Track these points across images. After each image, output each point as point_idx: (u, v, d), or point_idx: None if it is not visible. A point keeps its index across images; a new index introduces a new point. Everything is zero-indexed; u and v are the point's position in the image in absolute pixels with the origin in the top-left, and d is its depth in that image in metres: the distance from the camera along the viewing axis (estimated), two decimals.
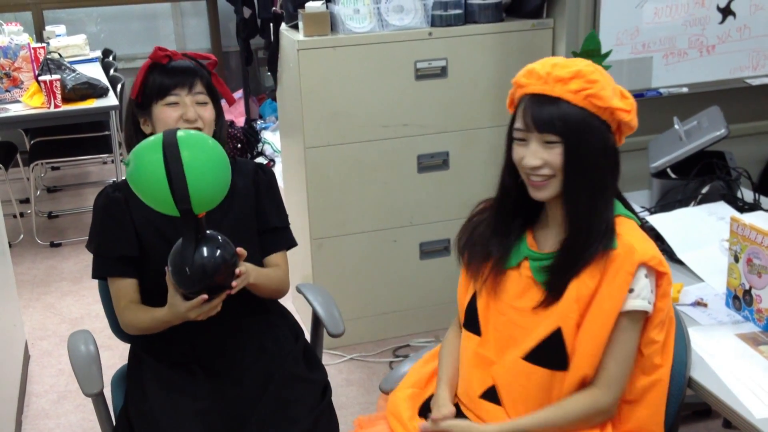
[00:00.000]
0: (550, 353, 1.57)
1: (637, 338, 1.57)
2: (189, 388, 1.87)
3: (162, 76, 1.90)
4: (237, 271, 1.74)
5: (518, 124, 1.57)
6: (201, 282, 1.68)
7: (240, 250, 1.76)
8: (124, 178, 1.99)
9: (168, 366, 1.92)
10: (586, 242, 1.55)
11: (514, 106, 1.62)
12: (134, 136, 1.96)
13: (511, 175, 1.62)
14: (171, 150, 1.57)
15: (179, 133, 1.61)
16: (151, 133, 1.91)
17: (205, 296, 1.72)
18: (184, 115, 1.88)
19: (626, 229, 1.58)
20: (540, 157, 1.54)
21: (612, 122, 1.57)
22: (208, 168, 1.61)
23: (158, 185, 1.58)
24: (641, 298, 1.54)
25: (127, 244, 1.91)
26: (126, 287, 1.93)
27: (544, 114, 1.52)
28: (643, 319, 1.57)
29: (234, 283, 1.75)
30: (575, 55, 1.63)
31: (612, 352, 1.55)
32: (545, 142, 1.54)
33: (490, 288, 1.65)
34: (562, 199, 1.57)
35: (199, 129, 1.87)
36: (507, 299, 1.63)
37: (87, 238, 1.99)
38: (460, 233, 1.75)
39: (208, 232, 1.69)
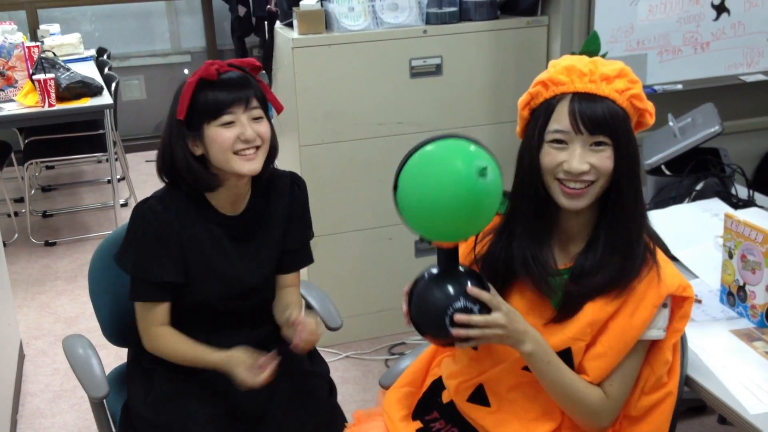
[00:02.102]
0: None
1: (642, 362, 1.51)
2: (202, 394, 1.84)
3: (214, 92, 1.69)
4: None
5: (559, 126, 1.42)
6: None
7: None
8: (158, 190, 1.81)
9: (180, 372, 1.86)
10: (625, 263, 1.43)
11: (531, 107, 1.49)
12: (187, 158, 1.73)
13: (539, 181, 1.47)
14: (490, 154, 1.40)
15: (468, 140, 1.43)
16: (202, 155, 1.74)
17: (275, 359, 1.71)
18: (242, 135, 1.70)
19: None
20: (587, 161, 1.40)
21: (633, 123, 1.46)
22: None
23: (498, 195, 1.39)
24: (657, 328, 1.47)
25: (173, 270, 1.77)
26: (161, 311, 1.81)
27: (596, 114, 1.39)
28: (651, 343, 1.51)
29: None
30: (573, 55, 1.57)
31: (621, 372, 1.48)
32: (592, 144, 1.40)
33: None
34: (599, 209, 1.46)
35: (257, 148, 1.73)
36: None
37: (81, 237, 1.95)
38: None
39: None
